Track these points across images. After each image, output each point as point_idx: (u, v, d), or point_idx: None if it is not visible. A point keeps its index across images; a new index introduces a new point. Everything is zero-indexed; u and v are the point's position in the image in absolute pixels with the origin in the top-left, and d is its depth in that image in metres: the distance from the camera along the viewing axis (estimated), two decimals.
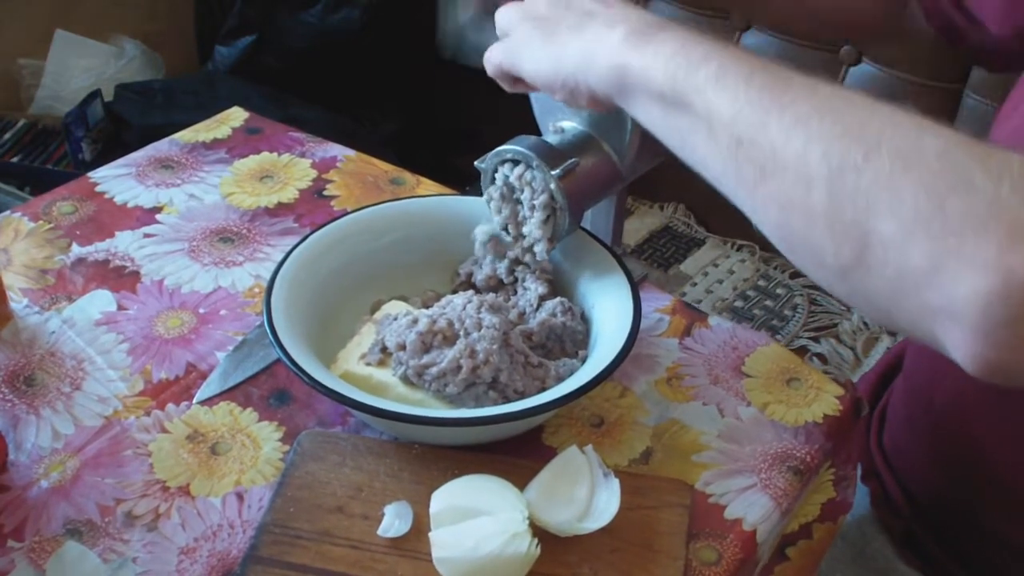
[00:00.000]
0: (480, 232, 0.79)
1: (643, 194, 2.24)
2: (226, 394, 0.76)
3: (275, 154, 1.03)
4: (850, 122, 0.51)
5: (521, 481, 0.66)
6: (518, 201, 0.76)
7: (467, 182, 0.89)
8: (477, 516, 0.63)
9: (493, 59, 0.71)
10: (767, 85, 0.55)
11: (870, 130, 0.51)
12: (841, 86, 0.55)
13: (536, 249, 0.76)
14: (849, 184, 0.50)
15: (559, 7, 0.68)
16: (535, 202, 0.75)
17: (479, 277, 0.80)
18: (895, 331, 0.54)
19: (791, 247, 0.55)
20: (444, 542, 0.62)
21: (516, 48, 0.69)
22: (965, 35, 0.83)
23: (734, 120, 0.55)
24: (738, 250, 2.13)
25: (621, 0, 0.66)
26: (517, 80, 0.71)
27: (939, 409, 0.85)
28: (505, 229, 0.78)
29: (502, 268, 0.79)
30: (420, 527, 0.65)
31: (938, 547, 0.89)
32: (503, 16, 0.71)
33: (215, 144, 1.05)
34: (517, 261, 0.79)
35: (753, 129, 0.54)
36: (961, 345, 0.48)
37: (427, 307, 0.76)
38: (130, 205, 0.95)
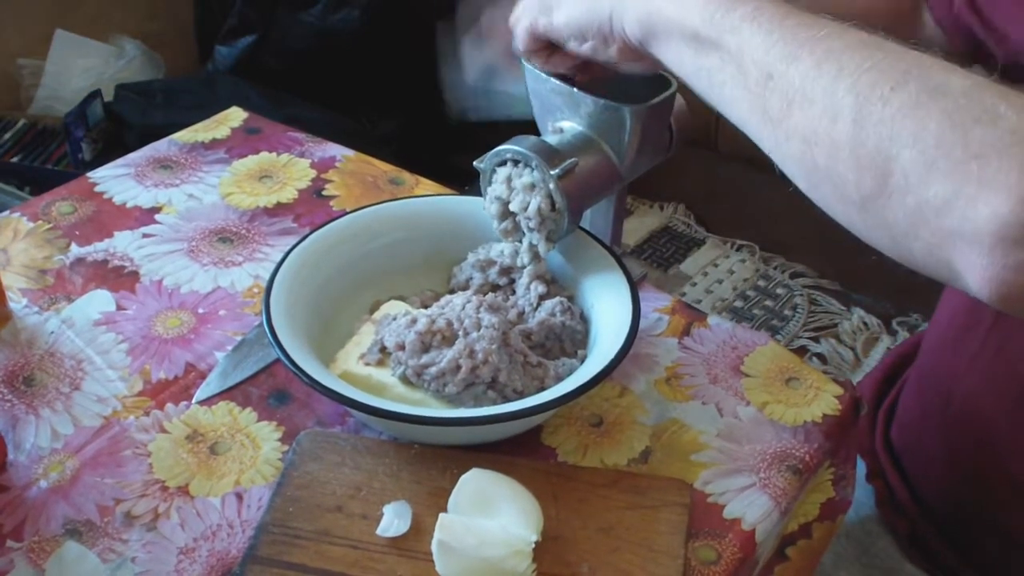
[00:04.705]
0: (470, 256, 0.80)
1: (643, 194, 2.24)
2: (225, 394, 0.76)
3: (274, 154, 1.03)
4: (880, 58, 0.52)
5: (522, 479, 0.66)
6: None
7: (466, 182, 0.89)
8: (493, 516, 0.63)
9: (524, 18, 0.72)
10: (801, 23, 0.56)
11: (899, 66, 0.52)
12: (873, 33, 0.56)
13: (539, 249, 0.76)
14: (875, 114, 0.51)
15: None
16: (531, 223, 0.75)
17: (473, 286, 0.80)
18: (911, 267, 0.54)
19: (813, 182, 0.56)
20: (451, 528, 0.62)
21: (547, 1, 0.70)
22: (983, 45, 0.81)
23: (766, 54, 0.56)
24: (738, 250, 2.13)
25: None
26: (551, 51, 0.71)
27: (956, 406, 0.84)
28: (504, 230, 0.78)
29: (493, 273, 0.79)
30: (419, 527, 0.65)
31: (945, 546, 0.89)
32: None
33: (214, 144, 1.04)
34: (510, 268, 0.79)
35: (784, 62, 0.55)
36: (977, 268, 0.49)
37: (426, 307, 0.76)
38: (129, 205, 0.95)
